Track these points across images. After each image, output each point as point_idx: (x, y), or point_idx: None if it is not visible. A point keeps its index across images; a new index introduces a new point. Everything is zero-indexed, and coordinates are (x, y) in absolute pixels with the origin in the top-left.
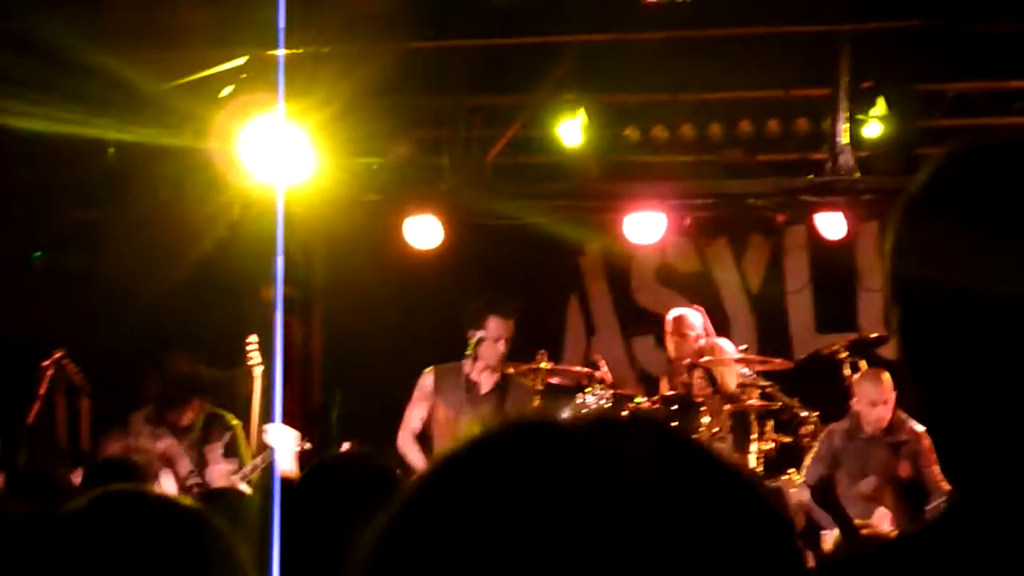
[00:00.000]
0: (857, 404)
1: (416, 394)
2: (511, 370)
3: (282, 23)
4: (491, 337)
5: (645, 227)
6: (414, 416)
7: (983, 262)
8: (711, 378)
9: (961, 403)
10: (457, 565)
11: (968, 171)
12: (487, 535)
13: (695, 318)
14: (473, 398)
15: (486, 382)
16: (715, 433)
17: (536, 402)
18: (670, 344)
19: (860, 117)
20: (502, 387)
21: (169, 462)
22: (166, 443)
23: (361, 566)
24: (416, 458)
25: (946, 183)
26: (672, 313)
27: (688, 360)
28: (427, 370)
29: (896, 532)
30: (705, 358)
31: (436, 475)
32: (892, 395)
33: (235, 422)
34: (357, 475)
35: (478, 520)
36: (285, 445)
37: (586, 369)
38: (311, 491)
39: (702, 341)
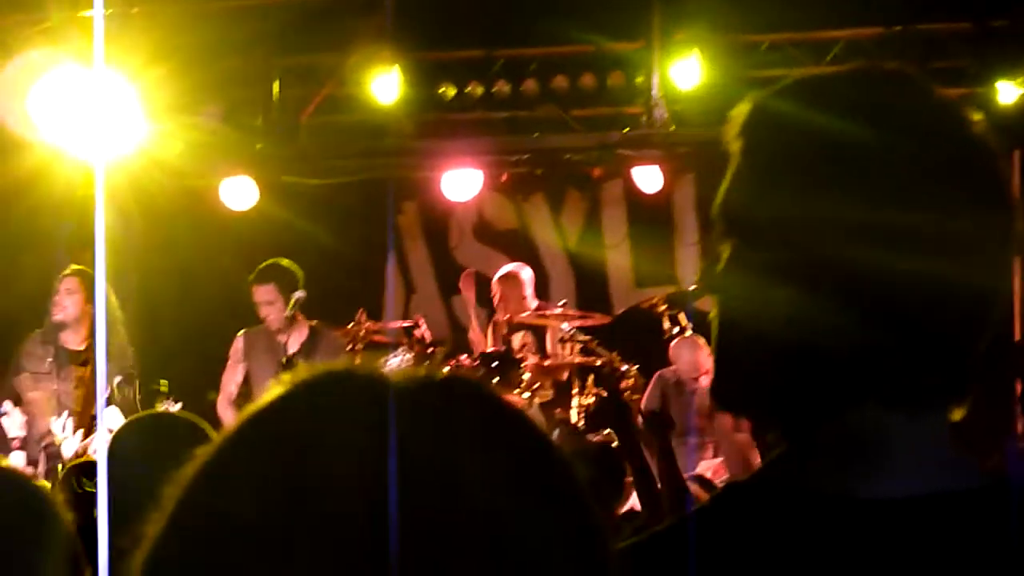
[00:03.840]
0: (678, 369)
1: (230, 358)
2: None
3: None
4: (256, 302)
5: (462, 184)
6: (229, 380)
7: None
8: (538, 336)
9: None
10: (258, 516)
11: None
12: (287, 488)
13: (525, 274)
14: (280, 357)
15: (294, 341)
16: (535, 389)
17: (347, 356)
18: (497, 301)
19: (673, 70)
20: (311, 343)
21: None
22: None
23: (164, 517)
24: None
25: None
26: (502, 271)
27: (510, 318)
28: (239, 334)
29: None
30: (525, 314)
31: (240, 429)
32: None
33: None
34: (165, 432)
35: (278, 473)
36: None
37: (406, 323)
38: (121, 448)
39: (530, 298)
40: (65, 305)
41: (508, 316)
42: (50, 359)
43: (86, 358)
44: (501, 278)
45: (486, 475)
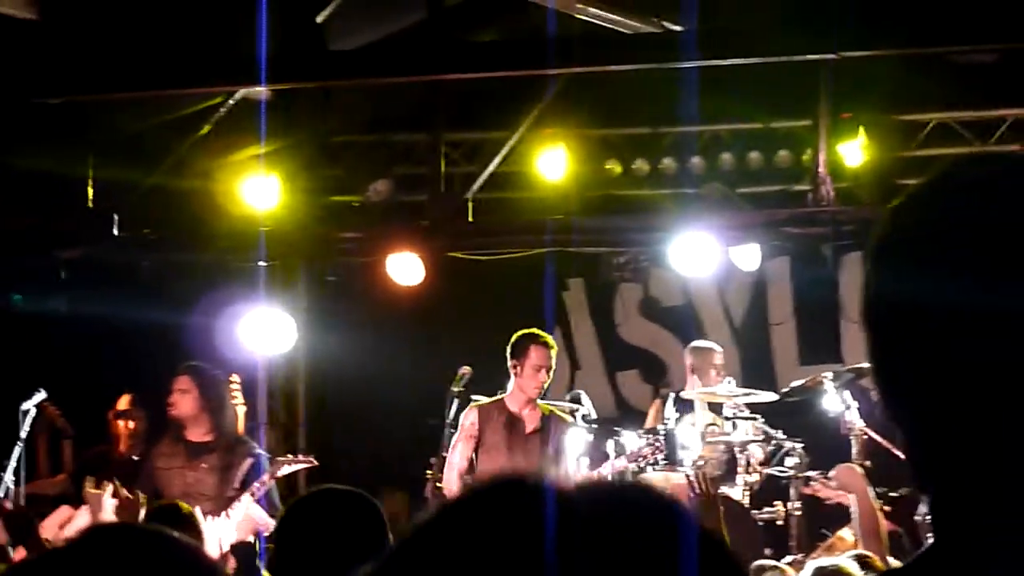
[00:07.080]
0: None
1: (460, 433)
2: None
3: (264, 59)
4: (532, 365)
5: (626, 261)
6: (458, 455)
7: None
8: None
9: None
10: None
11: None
12: None
13: (719, 353)
14: (518, 435)
15: (529, 419)
16: (702, 465)
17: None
18: (689, 372)
19: (840, 148)
20: (545, 425)
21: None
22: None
23: None
24: None
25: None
26: (697, 342)
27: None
28: (470, 407)
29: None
30: (691, 391)
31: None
32: None
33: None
34: (343, 509)
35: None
36: None
37: (568, 404)
38: (297, 525)
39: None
40: (179, 404)
41: (675, 392)
42: (180, 455)
43: (213, 447)
44: (695, 349)
45: None
